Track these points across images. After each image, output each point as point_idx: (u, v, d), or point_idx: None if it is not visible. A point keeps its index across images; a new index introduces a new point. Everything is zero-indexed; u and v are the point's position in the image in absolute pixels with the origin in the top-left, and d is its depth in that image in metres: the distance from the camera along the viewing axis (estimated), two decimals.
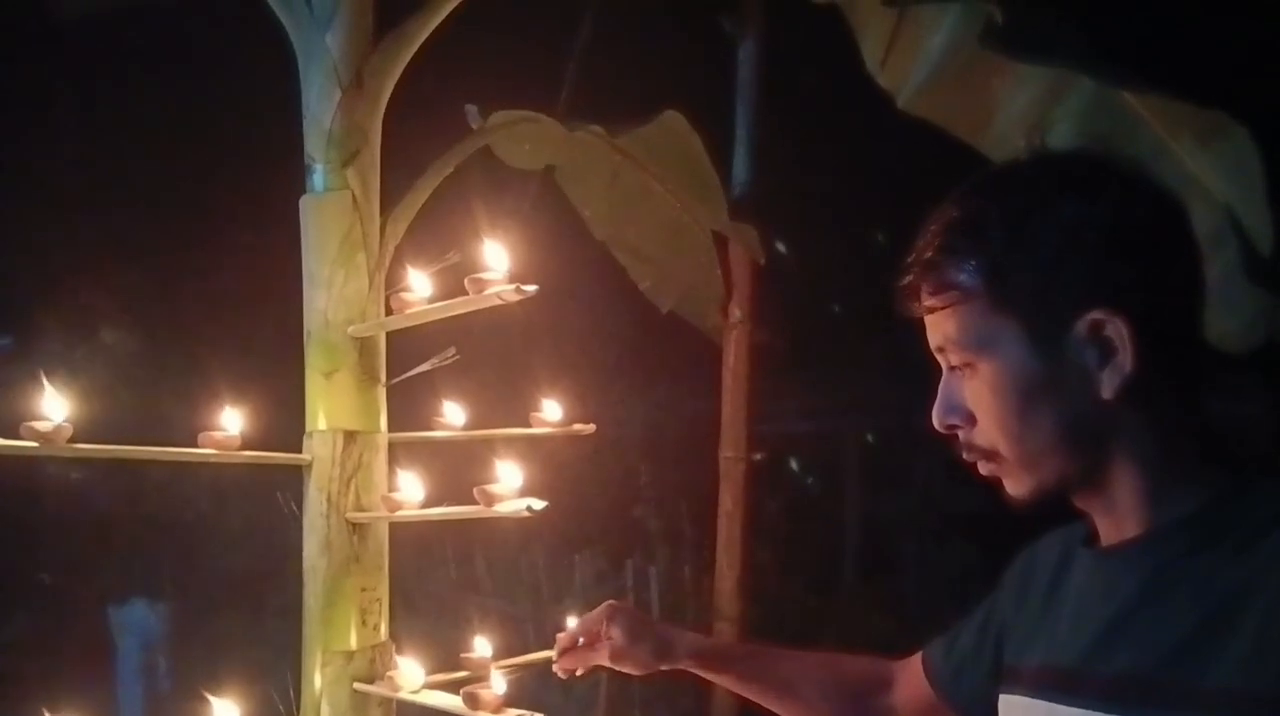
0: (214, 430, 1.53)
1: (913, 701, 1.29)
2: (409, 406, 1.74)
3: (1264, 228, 2.05)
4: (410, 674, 1.55)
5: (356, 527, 1.62)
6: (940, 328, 0.97)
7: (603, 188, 2.92)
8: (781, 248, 4.02)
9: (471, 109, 2.32)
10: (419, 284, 1.54)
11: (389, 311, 1.60)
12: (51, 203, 4.61)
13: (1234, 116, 2.06)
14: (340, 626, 1.61)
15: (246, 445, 1.55)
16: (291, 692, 1.73)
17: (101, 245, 4.55)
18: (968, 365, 0.96)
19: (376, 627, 1.64)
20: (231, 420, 1.55)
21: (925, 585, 5.45)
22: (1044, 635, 1.02)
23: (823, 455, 6.06)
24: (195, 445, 1.52)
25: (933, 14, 2.21)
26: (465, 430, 1.78)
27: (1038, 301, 0.92)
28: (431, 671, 1.57)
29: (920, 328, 1.02)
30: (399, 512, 1.58)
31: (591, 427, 1.85)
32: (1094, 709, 0.92)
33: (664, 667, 1.43)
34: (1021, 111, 2.19)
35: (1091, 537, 1.01)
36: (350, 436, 1.62)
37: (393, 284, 1.63)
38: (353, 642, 1.61)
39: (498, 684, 1.45)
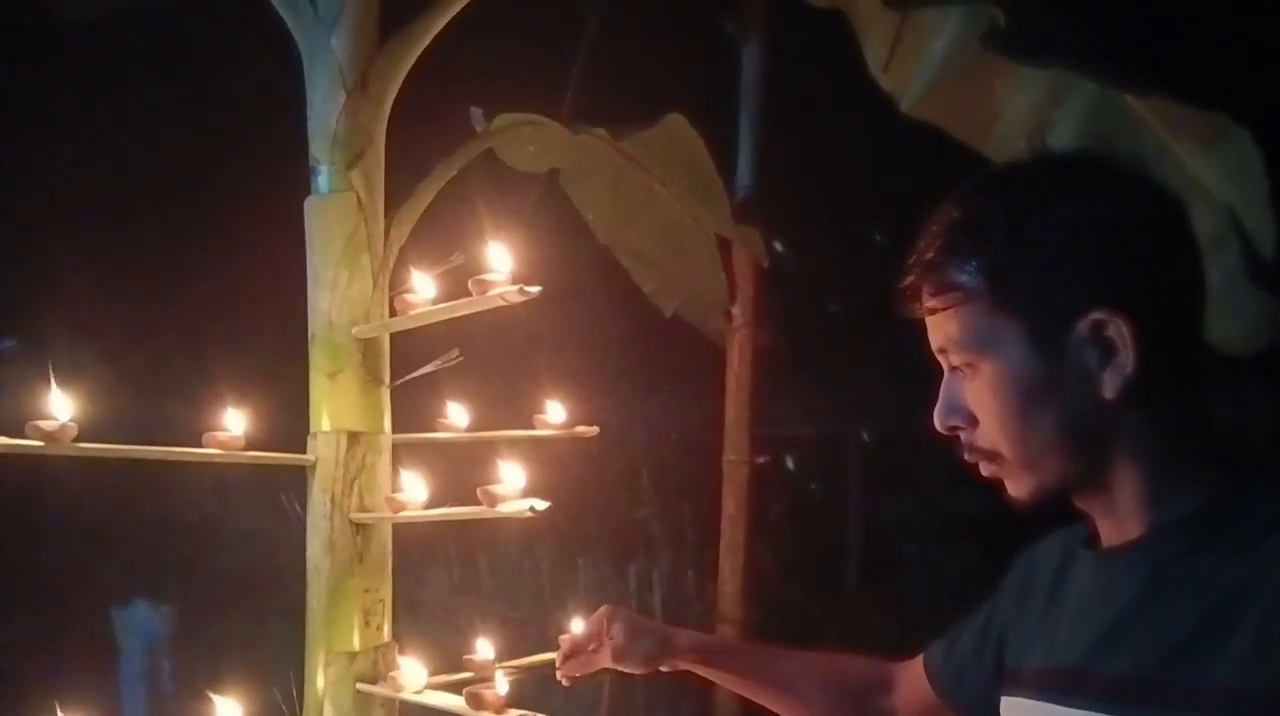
0: (218, 430, 1.54)
1: (914, 703, 1.29)
2: (413, 407, 1.75)
3: (1266, 230, 2.05)
4: (413, 674, 1.55)
5: (360, 528, 1.63)
6: (941, 328, 0.98)
7: (606, 191, 2.92)
8: (784, 251, 4.02)
9: (476, 112, 2.33)
10: (423, 285, 1.54)
11: (393, 313, 1.61)
12: (55, 204, 4.62)
13: (1236, 119, 2.06)
14: (343, 627, 1.62)
15: (250, 446, 1.55)
16: (295, 693, 1.73)
17: (105, 246, 4.56)
18: (969, 366, 0.97)
19: (379, 628, 1.64)
20: (236, 420, 1.56)
21: (927, 587, 5.44)
22: (1045, 636, 1.02)
23: (825, 458, 6.05)
24: (200, 446, 1.53)
25: (935, 17, 2.21)
26: (469, 431, 1.78)
27: (1039, 301, 0.92)
28: (434, 672, 1.58)
29: (921, 329, 1.02)
30: (402, 513, 1.58)
31: (595, 430, 1.85)
32: (1095, 710, 0.92)
33: (665, 668, 1.44)
34: (1024, 113, 2.19)
35: (1092, 539, 1.01)
36: (354, 437, 1.63)
37: (397, 285, 1.64)
38: (356, 643, 1.61)
39: (500, 684, 1.46)
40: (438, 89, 1.99)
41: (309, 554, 1.64)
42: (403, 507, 1.58)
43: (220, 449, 1.53)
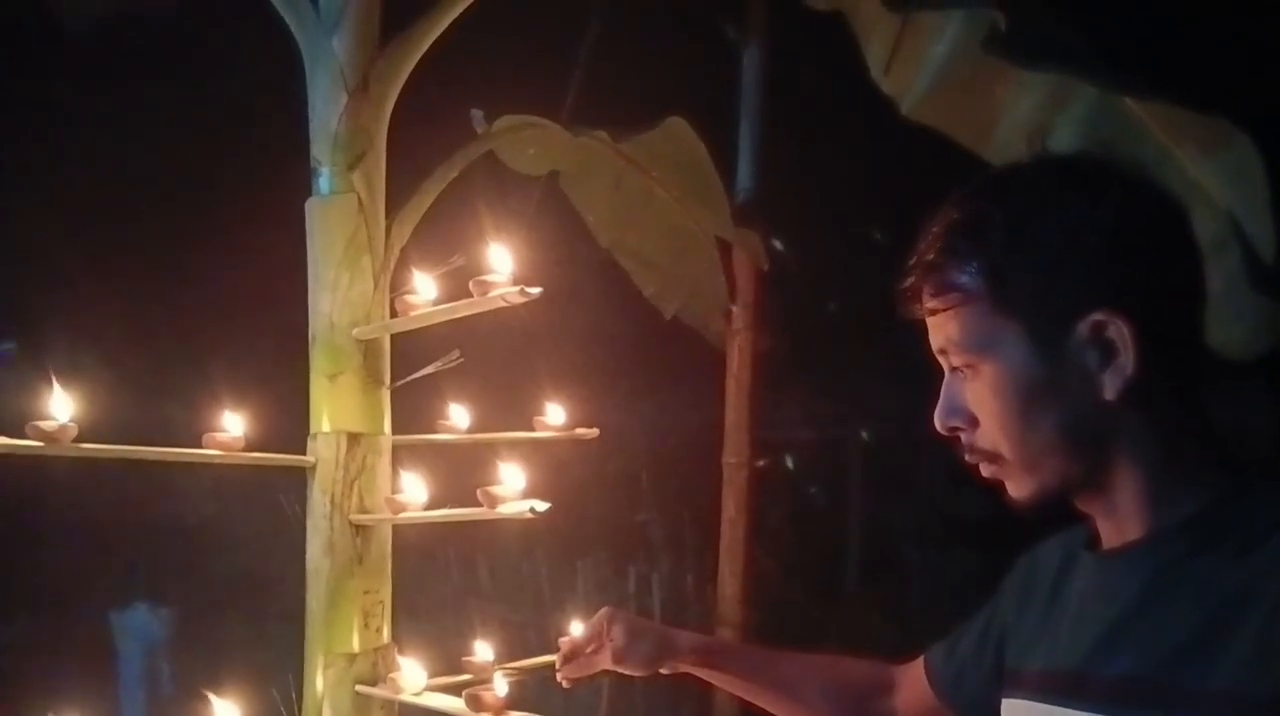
0: (218, 432, 1.54)
1: (914, 705, 1.29)
2: (413, 409, 1.75)
3: (1267, 235, 2.05)
4: (412, 676, 1.55)
5: (360, 529, 1.63)
6: (942, 329, 0.98)
7: (606, 193, 2.93)
8: (785, 253, 4.03)
9: (477, 114, 2.33)
10: (424, 287, 1.54)
11: (393, 314, 1.61)
12: (56, 205, 4.62)
13: (1237, 124, 2.06)
14: (343, 628, 1.61)
15: (250, 447, 1.55)
16: (294, 695, 1.73)
17: (105, 248, 4.56)
18: (969, 367, 0.97)
19: (379, 630, 1.64)
20: (236, 422, 1.55)
21: (927, 590, 5.44)
22: (1046, 638, 1.02)
23: (825, 461, 6.05)
24: (200, 447, 1.53)
25: (936, 20, 2.21)
26: (469, 433, 1.78)
27: (1039, 303, 0.93)
28: (433, 674, 1.57)
29: (922, 330, 1.02)
30: (402, 514, 1.58)
31: (595, 432, 1.85)
32: (1096, 711, 0.92)
33: (665, 670, 1.44)
34: (1025, 118, 2.19)
35: (1093, 541, 1.01)
36: (354, 438, 1.63)
37: (397, 287, 1.64)
38: (355, 645, 1.61)
39: (500, 686, 1.46)
40: (439, 91, 1.99)
41: (309, 555, 1.64)
42: (403, 509, 1.57)
43: (220, 450, 1.52)
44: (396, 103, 1.72)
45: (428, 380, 1.67)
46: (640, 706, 4.11)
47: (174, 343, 4.88)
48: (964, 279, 0.95)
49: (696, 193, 2.98)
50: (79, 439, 1.40)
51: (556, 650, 1.52)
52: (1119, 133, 2.11)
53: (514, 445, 1.71)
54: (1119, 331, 0.90)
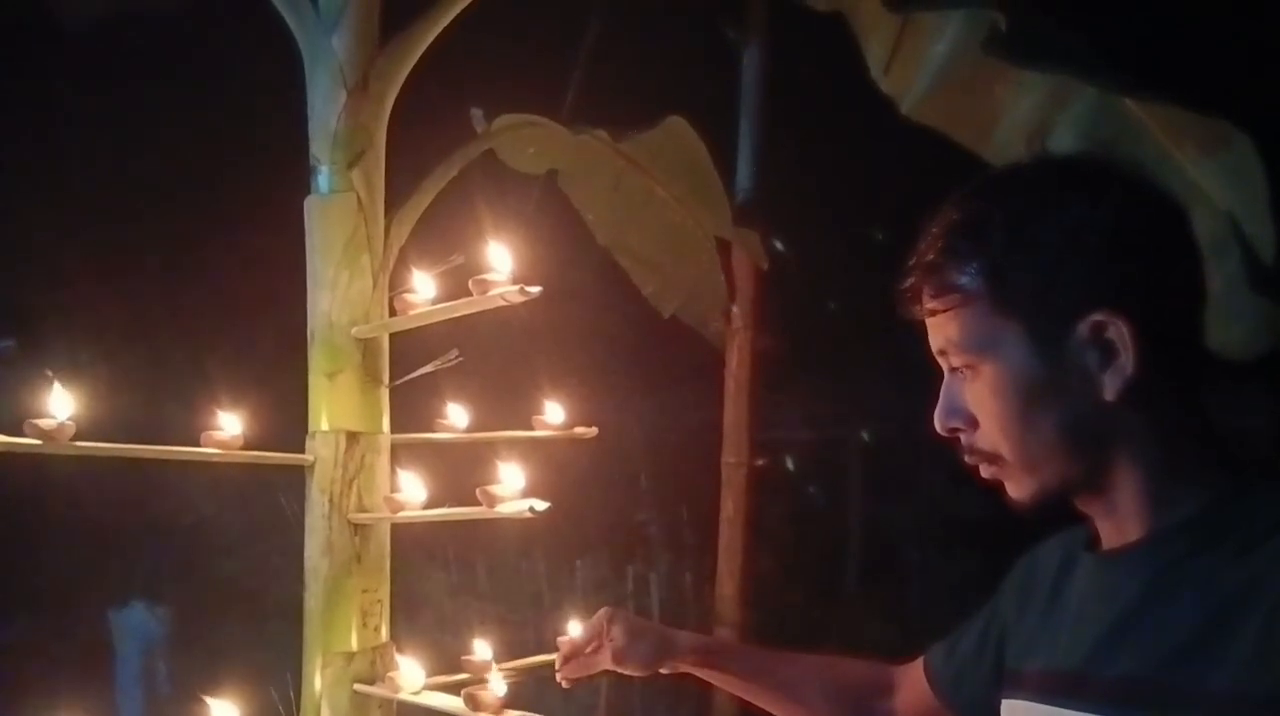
0: (217, 430, 1.53)
1: (914, 706, 1.29)
2: (412, 408, 1.75)
3: (1267, 236, 2.05)
4: (411, 675, 1.55)
5: (358, 528, 1.62)
6: (942, 330, 0.98)
7: (606, 192, 2.92)
8: (784, 253, 4.03)
9: (476, 112, 2.33)
10: (423, 285, 1.54)
11: (393, 312, 1.61)
12: (55, 205, 4.62)
13: (1237, 124, 2.06)
14: (341, 627, 1.61)
15: (249, 446, 1.55)
16: (292, 694, 1.73)
17: (104, 246, 4.56)
18: (969, 367, 0.97)
19: (377, 629, 1.64)
20: (234, 420, 1.55)
21: (927, 591, 5.44)
22: (1046, 639, 1.02)
23: (825, 461, 6.05)
24: (198, 445, 1.53)
25: (936, 21, 2.21)
26: (467, 432, 1.78)
27: (1039, 303, 0.92)
28: (432, 673, 1.57)
29: (922, 331, 1.02)
30: (401, 513, 1.58)
31: (594, 431, 1.85)
32: (1096, 712, 0.92)
33: (665, 670, 1.43)
34: (1024, 118, 2.19)
35: (1093, 541, 1.01)
36: (353, 437, 1.63)
37: (396, 285, 1.63)
38: (353, 644, 1.61)
39: (497, 685, 1.45)
40: (438, 90, 1.99)
41: (307, 554, 1.63)
42: (401, 508, 1.57)
43: (219, 448, 1.52)
44: (396, 101, 1.72)
45: (426, 379, 1.66)
46: (639, 707, 4.11)
47: (173, 341, 4.88)
48: (964, 279, 0.94)
49: (696, 192, 2.98)
50: (77, 437, 1.40)
51: (555, 649, 1.52)
52: (1119, 133, 2.11)
53: (513, 444, 1.71)
54: (1119, 332, 0.90)
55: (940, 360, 1.00)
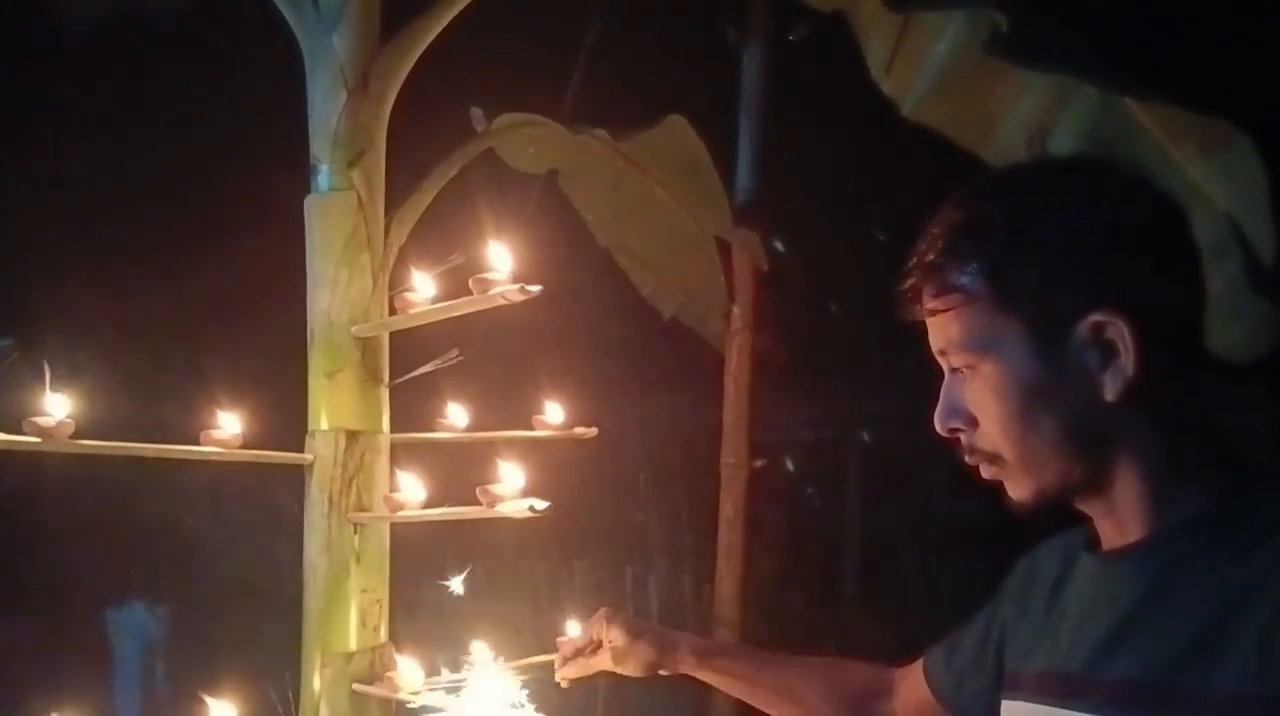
0: (216, 429, 1.53)
1: (914, 708, 1.29)
2: (412, 407, 1.74)
3: (1267, 238, 2.05)
4: (410, 675, 1.54)
5: (358, 528, 1.62)
6: (942, 330, 0.98)
7: (606, 192, 2.92)
8: (784, 254, 4.03)
9: (477, 112, 2.33)
10: (422, 284, 1.54)
11: (392, 312, 1.60)
12: (55, 204, 4.62)
13: (1238, 125, 2.06)
14: (340, 627, 1.61)
15: (248, 445, 1.55)
16: (291, 694, 1.73)
17: (104, 245, 4.56)
18: (970, 367, 0.97)
19: (376, 629, 1.64)
20: (233, 419, 1.55)
21: (926, 593, 5.44)
22: (1046, 640, 1.02)
23: (824, 462, 6.05)
24: (198, 444, 1.52)
25: (937, 21, 2.21)
26: (467, 432, 1.78)
27: (1039, 303, 0.93)
28: (430, 673, 1.57)
29: (922, 332, 1.02)
30: (400, 513, 1.57)
31: (593, 431, 1.85)
32: (1097, 713, 0.92)
33: (664, 671, 1.43)
34: (1025, 119, 2.19)
35: (1093, 542, 1.01)
36: (352, 436, 1.62)
37: (396, 284, 1.63)
38: (352, 643, 1.61)
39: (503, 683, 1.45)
40: (439, 89, 1.99)
41: (306, 553, 1.63)
42: (401, 507, 1.57)
43: (218, 447, 1.52)
44: (396, 100, 1.71)
45: (426, 378, 1.66)
46: (636, 708, 4.11)
47: (172, 340, 4.88)
48: (964, 279, 0.94)
49: (696, 192, 2.98)
50: (76, 435, 1.39)
51: (554, 650, 1.52)
52: (1119, 134, 2.11)
53: (512, 444, 1.71)
54: (1119, 332, 0.90)
55: (941, 360, 1.00)
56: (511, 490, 1.49)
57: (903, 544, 5.86)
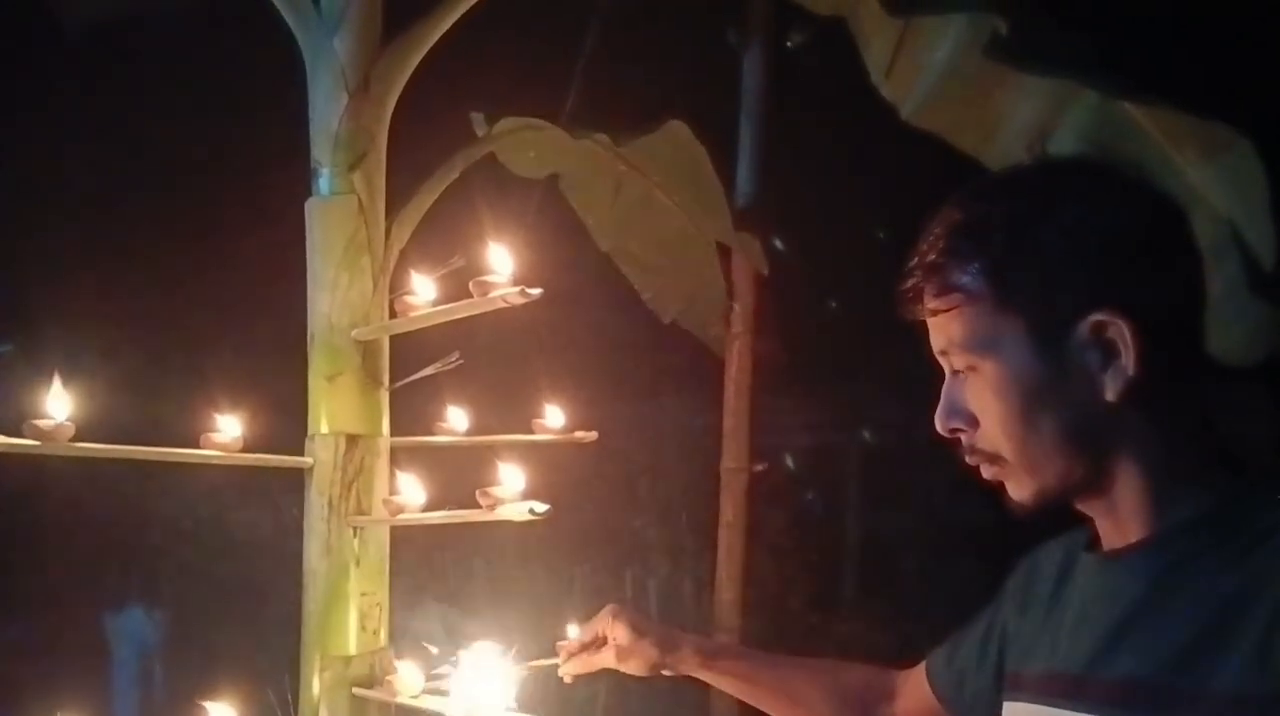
0: (216, 432, 1.53)
1: (916, 710, 1.29)
2: (412, 411, 1.74)
3: (1266, 241, 2.05)
4: (409, 679, 1.54)
5: (357, 531, 1.62)
6: (943, 330, 0.98)
7: (606, 196, 2.92)
8: (785, 258, 4.03)
9: (477, 116, 2.33)
10: (423, 288, 1.54)
11: (393, 315, 1.61)
12: (55, 206, 4.62)
13: (1238, 129, 2.06)
14: (339, 631, 1.61)
15: (248, 448, 1.55)
16: (290, 698, 1.72)
17: (104, 248, 4.56)
18: (970, 368, 0.97)
19: (376, 632, 1.64)
20: (233, 423, 1.55)
21: (926, 597, 5.43)
22: (1047, 641, 1.02)
23: (824, 466, 6.05)
24: (197, 448, 1.52)
25: (937, 25, 2.21)
26: (467, 435, 1.77)
27: (1040, 303, 0.93)
28: (430, 677, 1.56)
29: (922, 335, 1.02)
30: (400, 516, 1.57)
31: (593, 435, 1.85)
32: (1098, 714, 0.92)
33: (667, 671, 1.43)
34: (1025, 123, 2.20)
35: (1093, 543, 1.01)
36: (352, 440, 1.62)
37: (397, 287, 1.63)
38: (352, 647, 1.61)
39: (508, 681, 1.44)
40: (440, 92, 1.99)
41: (305, 557, 1.63)
42: (400, 510, 1.57)
43: (218, 451, 1.52)
44: (397, 104, 1.72)
45: (426, 382, 1.66)
46: (637, 709, 4.11)
47: (172, 343, 4.87)
48: (965, 279, 0.95)
49: (696, 197, 2.98)
50: (76, 438, 1.39)
51: (554, 654, 1.51)
52: (1119, 137, 2.11)
53: (512, 448, 1.71)
54: (1120, 332, 0.90)
55: (941, 361, 1.00)
56: (511, 493, 1.49)
57: (904, 547, 5.85)
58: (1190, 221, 0.97)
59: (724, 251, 3.29)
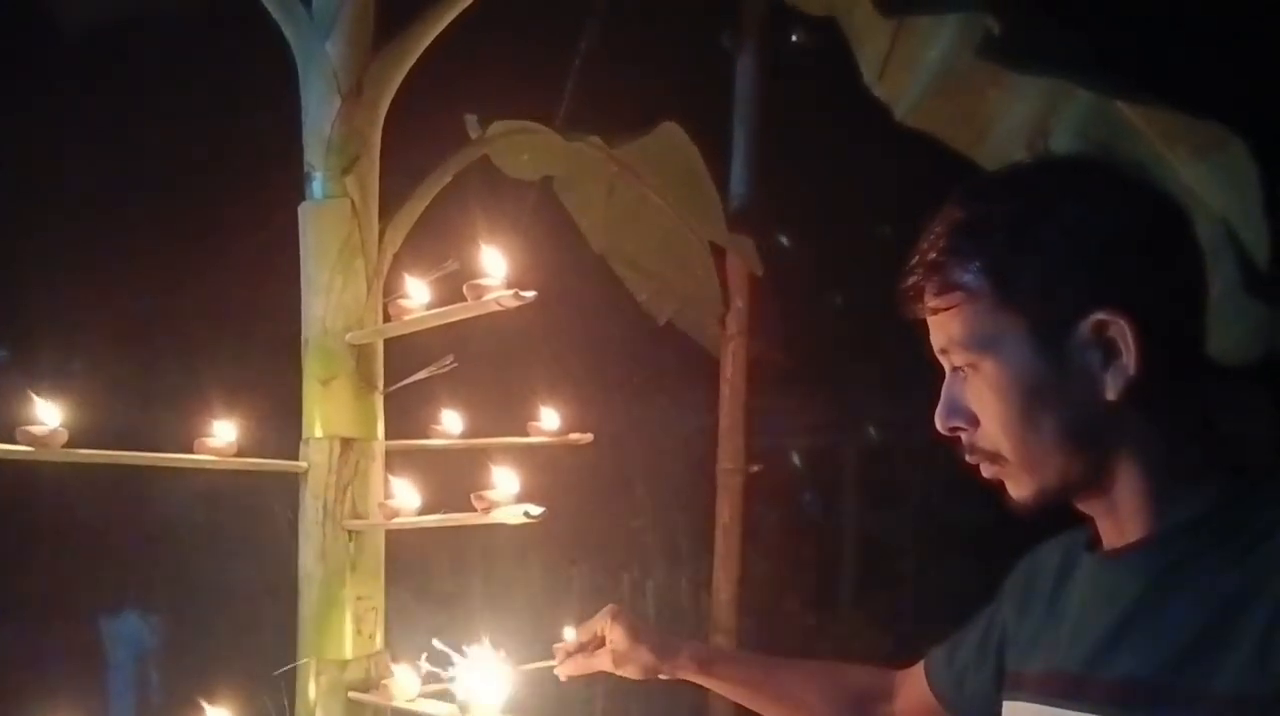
0: (210, 437, 1.53)
1: (915, 710, 1.29)
2: (406, 414, 1.74)
3: (1261, 241, 2.05)
4: (405, 682, 1.53)
5: (353, 535, 1.61)
6: (944, 329, 0.98)
7: (601, 199, 2.92)
8: (779, 259, 4.03)
9: (471, 118, 2.33)
10: (417, 291, 1.54)
11: (387, 318, 1.60)
12: (48, 212, 4.61)
13: (1232, 128, 2.06)
14: (335, 635, 1.60)
15: (243, 453, 1.54)
16: (286, 702, 1.72)
17: (98, 253, 4.54)
18: (971, 366, 0.97)
19: (372, 636, 1.63)
20: (227, 427, 1.54)
21: (924, 598, 5.43)
22: (1047, 640, 1.02)
23: (821, 467, 6.05)
24: (192, 452, 1.52)
25: (930, 25, 2.21)
26: (462, 438, 1.77)
27: (1041, 301, 0.93)
28: (426, 681, 1.56)
29: (920, 335, 1.02)
30: (395, 520, 1.57)
31: (588, 437, 1.85)
32: (1097, 713, 0.92)
33: (664, 675, 1.43)
34: (1019, 123, 2.19)
35: (1094, 542, 1.01)
36: (347, 443, 1.62)
37: (391, 291, 1.63)
38: (348, 651, 1.60)
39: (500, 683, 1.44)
40: (433, 95, 1.99)
41: (301, 561, 1.63)
42: (395, 514, 1.56)
43: (212, 455, 1.51)
44: (390, 107, 1.71)
45: (421, 385, 1.66)
46: (635, 710, 4.10)
47: (166, 348, 4.87)
48: (966, 277, 0.95)
49: (690, 198, 2.98)
50: (69, 444, 1.39)
51: (552, 655, 1.51)
52: (1113, 137, 2.11)
53: (507, 450, 1.71)
54: (1121, 331, 0.90)
55: (942, 359, 1.00)
56: (506, 496, 1.49)
57: (901, 548, 5.86)
58: (1191, 219, 0.97)
59: (718, 253, 3.29)
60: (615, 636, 1.42)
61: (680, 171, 2.87)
